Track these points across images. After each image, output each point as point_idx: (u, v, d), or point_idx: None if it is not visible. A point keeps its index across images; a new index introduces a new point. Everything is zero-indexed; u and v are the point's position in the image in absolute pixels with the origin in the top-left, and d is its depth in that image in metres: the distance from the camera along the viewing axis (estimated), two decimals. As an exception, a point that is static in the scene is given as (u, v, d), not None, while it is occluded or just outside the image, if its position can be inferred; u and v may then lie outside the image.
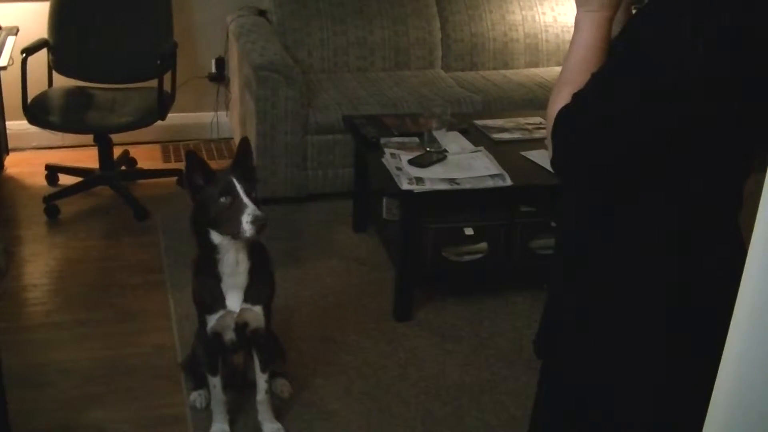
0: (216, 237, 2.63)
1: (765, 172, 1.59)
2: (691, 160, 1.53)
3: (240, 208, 2.54)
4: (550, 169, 1.61)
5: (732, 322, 1.11)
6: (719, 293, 1.51)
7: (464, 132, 3.99)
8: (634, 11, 1.67)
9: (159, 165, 5.11)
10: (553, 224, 3.60)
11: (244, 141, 2.74)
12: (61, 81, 4.69)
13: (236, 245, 2.65)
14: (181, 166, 4.78)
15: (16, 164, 5.03)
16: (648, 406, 1.66)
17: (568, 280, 1.76)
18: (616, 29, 1.62)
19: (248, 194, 2.56)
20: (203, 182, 2.60)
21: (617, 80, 1.49)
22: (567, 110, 1.53)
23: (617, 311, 1.66)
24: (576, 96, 1.53)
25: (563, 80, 1.58)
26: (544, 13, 5.30)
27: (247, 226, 2.52)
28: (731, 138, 1.54)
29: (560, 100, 1.55)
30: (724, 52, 1.44)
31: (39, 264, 4.05)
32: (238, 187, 2.56)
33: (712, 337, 1.42)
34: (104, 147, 4.63)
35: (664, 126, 1.47)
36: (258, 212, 2.54)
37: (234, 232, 2.56)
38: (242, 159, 2.69)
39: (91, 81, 4.71)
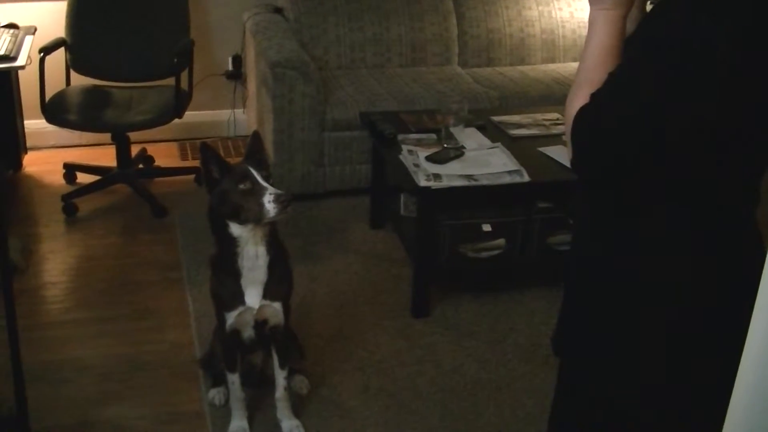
0: (236, 229, 2.64)
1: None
2: (707, 158, 1.52)
3: (260, 191, 2.56)
4: (567, 165, 1.60)
5: (753, 319, 1.10)
6: (737, 290, 1.50)
7: (481, 128, 3.98)
8: (648, 8, 1.66)
9: (176, 163, 5.13)
10: (570, 221, 3.59)
11: (256, 135, 2.78)
12: (78, 80, 4.72)
13: (255, 237, 2.66)
14: (198, 163, 4.80)
15: (34, 163, 5.06)
16: (666, 406, 1.66)
17: (583, 279, 1.76)
18: (631, 27, 1.61)
19: (266, 180, 2.59)
20: (219, 175, 2.62)
21: (635, 80, 1.49)
22: (586, 110, 1.53)
23: (631, 311, 1.65)
24: (594, 96, 1.52)
25: (580, 80, 1.57)
26: (560, 9, 5.28)
27: (270, 206, 2.54)
28: (748, 135, 1.53)
29: (578, 99, 1.55)
30: (741, 51, 1.43)
31: (57, 262, 4.07)
32: (255, 173, 2.58)
33: (730, 335, 1.41)
34: (122, 145, 4.65)
35: (681, 125, 1.47)
36: (279, 191, 2.56)
37: (257, 217, 2.58)
38: (254, 151, 2.71)
39: (108, 79, 4.73)
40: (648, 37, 1.52)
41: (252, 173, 2.59)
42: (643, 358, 1.65)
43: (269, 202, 2.55)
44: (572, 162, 1.59)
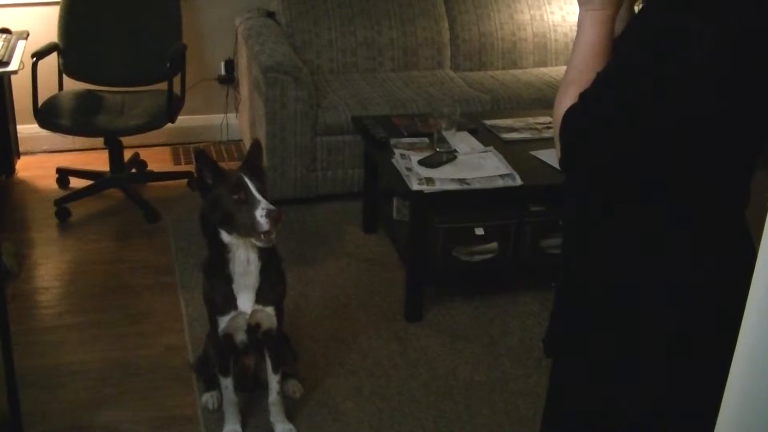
0: (226, 236, 2.63)
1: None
2: (696, 158, 1.53)
3: (253, 203, 2.55)
4: (559, 168, 1.61)
5: (744, 319, 1.11)
6: (728, 290, 1.51)
7: (473, 132, 3.99)
8: (637, 9, 1.67)
9: (169, 167, 5.13)
10: (560, 222, 3.60)
11: (256, 143, 2.75)
12: (71, 84, 4.71)
13: (246, 244, 2.65)
14: (191, 168, 4.81)
15: (27, 167, 5.05)
16: (655, 405, 1.66)
17: (574, 279, 1.76)
18: (619, 27, 1.62)
19: (260, 191, 2.57)
20: (213, 181, 2.61)
21: (623, 80, 1.49)
22: (574, 110, 1.54)
23: (622, 311, 1.66)
24: (582, 95, 1.53)
25: (569, 79, 1.58)
26: (552, 13, 5.29)
27: (261, 220, 2.53)
28: (736, 135, 1.54)
29: (567, 99, 1.55)
30: (729, 52, 1.44)
31: (50, 266, 4.06)
32: (249, 184, 2.57)
33: (719, 335, 1.42)
34: (114, 150, 4.65)
35: (670, 124, 1.47)
36: (271, 206, 2.54)
37: (247, 229, 2.56)
38: (252, 159, 2.69)
39: (100, 84, 4.72)
40: (637, 37, 1.53)
41: (247, 184, 2.57)
42: (642, 358, 1.65)
43: (261, 216, 2.53)
44: (560, 162, 1.60)
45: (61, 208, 4.48)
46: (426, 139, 3.86)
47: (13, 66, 4.17)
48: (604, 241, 1.67)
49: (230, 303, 2.73)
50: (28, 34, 4.63)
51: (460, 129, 3.89)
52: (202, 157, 2.62)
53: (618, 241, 1.64)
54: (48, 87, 4.57)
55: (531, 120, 4.20)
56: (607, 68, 1.52)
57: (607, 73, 1.51)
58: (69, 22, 4.65)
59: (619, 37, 1.60)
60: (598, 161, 1.55)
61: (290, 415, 3.00)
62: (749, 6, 1.44)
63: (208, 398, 3.09)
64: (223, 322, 2.76)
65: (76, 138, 4.98)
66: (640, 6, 1.61)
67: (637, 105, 1.47)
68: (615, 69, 1.51)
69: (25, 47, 4.43)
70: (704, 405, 1.44)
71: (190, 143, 5.38)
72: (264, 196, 2.58)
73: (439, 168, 3.56)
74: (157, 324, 3.60)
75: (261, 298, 2.75)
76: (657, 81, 1.45)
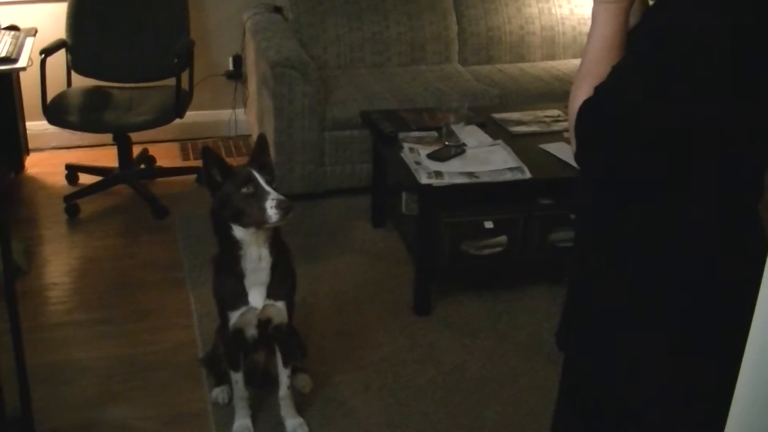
0: (239, 232, 2.64)
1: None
2: (711, 153, 1.52)
3: (262, 195, 2.56)
4: (568, 161, 1.61)
5: (755, 314, 1.10)
6: (741, 285, 1.50)
7: (482, 126, 3.98)
8: (651, 2, 1.66)
9: (178, 163, 5.13)
10: (572, 217, 3.59)
11: (262, 137, 2.76)
12: (79, 81, 4.72)
13: (258, 240, 2.66)
14: (199, 163, 4.81)
15: (36, 164, 5.06)
16: (666, 403, 1.66)
17: (586, 274, 1.76)
18: (633, 20, 1.61)
19: (269, 184, 2.58)
20: (221, 178, 2.62)
21: (638, 73, 1.49)
22: (589, 103, 1.53)
23: (634, 307, 1.65)
24: (598, 89, 1.52)
25: (583, 73, 1.57)
26: (560, 6, 5.27)
27: (272, 212, 2.54)
28: (752, 130, 1.53)
29: (582, 93, 1.55)
30: (744, 48, 1.43)
31: (59, 263, 4.07)
32: (258, 177, 2.58)
33: (732, 332, 1.41)
34: (123, 146, 4.65)
35: (684, 117, 1.47)
36: (281, 196, 2.55)
37: (259, 221, 2.57)
38: (259, 155, 2.70)
39: (109, 80, 4.73)
40: (651, 30, 1.52)
41: (255, 177, 2.58)
42: (645, 356, 1.64)
43: (271, 207, 2.54)
44: (576, 156, 1.59)
45: (70, 205, 4.49)
46: (434, 133, 3.86)
47: (21, 63, 4.17)
48: (614, 237, 1.66)
49: (241, 298, 2.74)
50: (36, 31, 4.63)
51: (468, 123, 3.89)
52: (208, 155, 2.62)
53: (628, 237, 1.64)
54: (56, 84, 4.58)
55: (539, 113, 4.18)
56: (622, 62, 1.52)
57: (622, 67, 1.51)
58: (77, 19, 4.66)
59: (633, 29, 1.59)
60: (613, 155, 1.55)
61: (300, 410, 3.00)
62: (763, 1, 1.44)
63: (219, 393, 3.09)
64: (234, 317, 2.76)
65: (85, 134, 4.98)
66: None
67: (651, 98, 1.47)
68: (629, 63, 1.51)
69: (33, 44, 4.43)
70: (710, 403, 1.43)
71: (199, 139, 5.38)
72: (273, 188, 2.59)
73: (448, 161, 3.56)
74: (166, 320, 3.60)
75: (272, 293, 2.75)
76: (670, 74, 1.44)
